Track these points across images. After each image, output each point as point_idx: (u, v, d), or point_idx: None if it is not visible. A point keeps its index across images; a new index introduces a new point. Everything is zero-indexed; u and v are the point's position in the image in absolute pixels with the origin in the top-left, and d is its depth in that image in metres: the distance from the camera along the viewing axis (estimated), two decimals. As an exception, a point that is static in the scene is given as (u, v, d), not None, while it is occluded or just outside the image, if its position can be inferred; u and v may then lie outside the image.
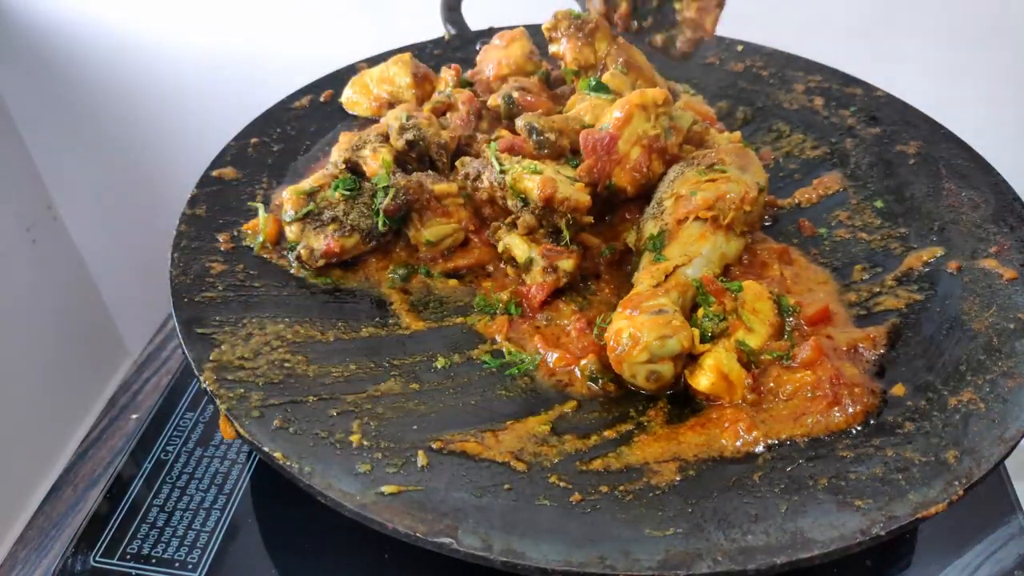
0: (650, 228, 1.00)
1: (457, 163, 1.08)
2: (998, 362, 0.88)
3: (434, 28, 1.49)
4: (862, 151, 1.22)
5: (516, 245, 1.02)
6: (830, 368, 0.86)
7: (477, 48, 1.43)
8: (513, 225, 1.03)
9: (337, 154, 1.13)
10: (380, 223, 1.02)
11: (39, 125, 2.00)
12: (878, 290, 1.00)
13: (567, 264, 0.99)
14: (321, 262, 1.01)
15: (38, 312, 2.01)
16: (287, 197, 1.03)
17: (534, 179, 0.99)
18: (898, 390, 0.87)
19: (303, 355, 0.91)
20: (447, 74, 1.26)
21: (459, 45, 1.45)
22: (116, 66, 1.92)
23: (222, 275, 0.99)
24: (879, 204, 1.13)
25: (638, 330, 0.86)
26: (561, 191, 0.98)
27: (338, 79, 1.33)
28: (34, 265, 2.01)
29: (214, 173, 1.14)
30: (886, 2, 1.63)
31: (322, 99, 1.31)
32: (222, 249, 1.03)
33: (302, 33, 1.84)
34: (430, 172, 1.10)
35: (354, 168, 1.07)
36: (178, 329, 0.91)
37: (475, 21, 1.49)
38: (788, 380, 0.87)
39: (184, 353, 0.89)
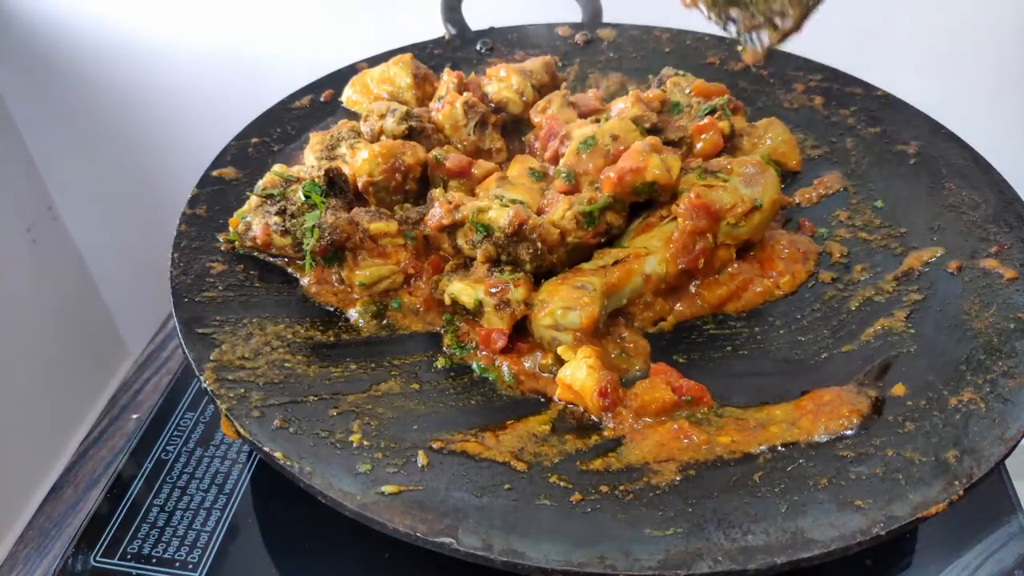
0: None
1: (396, 207, 1.05)
2: (998, 362, 0.88)
3: (434, 28, 1.49)
4: (862, 151, 1.22)
5: (461, 291, 0.93)
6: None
7: (478, 48, 1.43)
8: (457, 268, 0.97)
9: (310, 157, 1.12)
10: (308, 264, 0.97)
11: (39, 125, 2.00)
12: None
13: (518, 293, 0.92)
14: (248, 244, 1.02)
15: (38, 312, 2.01)
16: (271, 171, 1.03)
17: (503, 212, 0.93)
18: (898, 390, 0.87)
19: (303, 355, 0.91)
20: (449, 78, 1.24)
21: (459, 45, 1.45)
22: (116, 66, 1.92)
23: (222, 275, 0.99)
24: (879, 204, 1.13)
25: (550, 297, 0.91)
26: (532, 220, 0.93)
27: (338, 79, 1.33)
28: (34, 265, 2.01)
29: (214, 173, 1.14)
30: (886, 2, 1.63)
31: (322, 99, 1.31)
32: (222, 249, 1.03)
33: (302, 33, 1.84)
34: (374, 208, 1.03)
35: (334, 179, 1.01)
36: (178, 329, 0.91)
37: (475, 21, 1.49)
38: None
39: (184, 353, 0.89)
